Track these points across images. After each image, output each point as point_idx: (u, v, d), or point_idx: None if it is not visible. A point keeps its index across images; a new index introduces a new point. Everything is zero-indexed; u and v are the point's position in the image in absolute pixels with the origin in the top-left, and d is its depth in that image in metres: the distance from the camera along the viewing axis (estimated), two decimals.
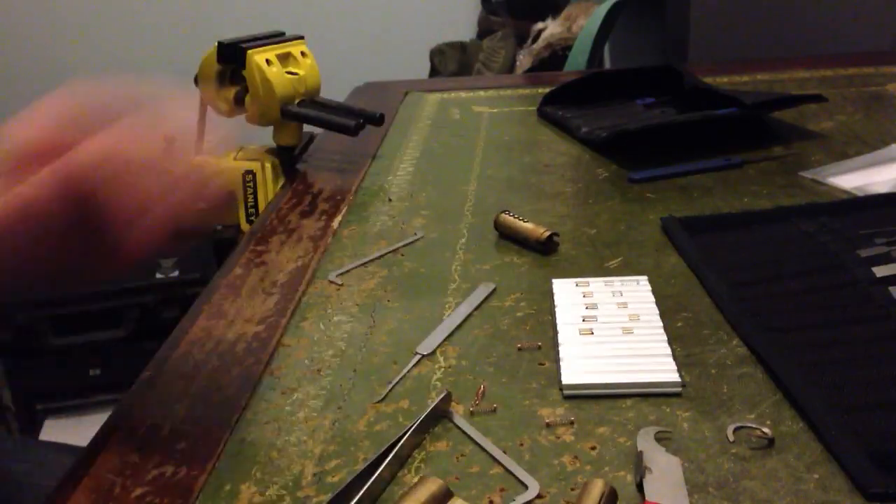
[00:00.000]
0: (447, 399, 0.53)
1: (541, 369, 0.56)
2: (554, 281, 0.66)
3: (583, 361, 0.56)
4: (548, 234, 0.72)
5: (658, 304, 0.62)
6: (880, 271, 0.61)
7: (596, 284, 0.65)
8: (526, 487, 0.46)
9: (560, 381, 0.54)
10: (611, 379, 0.54)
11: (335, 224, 0.83)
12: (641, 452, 0.47)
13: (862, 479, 0.44)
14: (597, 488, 0.43)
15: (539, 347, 0.59)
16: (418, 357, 0.59)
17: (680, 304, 0.62)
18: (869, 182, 0.78)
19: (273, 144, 0.99)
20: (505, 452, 0.49)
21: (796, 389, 0.51)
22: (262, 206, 0.97)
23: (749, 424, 0.49)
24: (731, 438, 0.48)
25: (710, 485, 0.45)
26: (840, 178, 0.81)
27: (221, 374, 0.60)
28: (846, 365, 0.53)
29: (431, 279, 0.70)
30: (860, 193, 0.77)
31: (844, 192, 0.78)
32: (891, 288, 0.59)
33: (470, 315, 0.64)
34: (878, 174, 0.80)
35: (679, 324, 0.60)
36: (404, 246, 0.76)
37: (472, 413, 0.53)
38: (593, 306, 0.62)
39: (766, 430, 0.48)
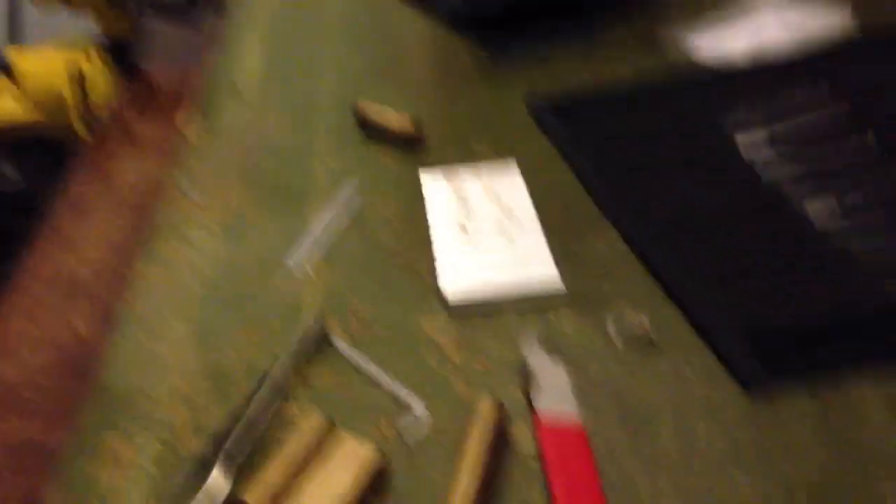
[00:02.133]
0: (323, 322, 0.50)
1: (420, 280, 0.54)
2: (422, 175, 0.64)
3: (463, 269, 0.54)
4: (412, 125, 0.68)
5: (531, 193, 0.61)
6: (743, 140, 0.62)
7: (466, 175, 0.63)
8: (414, 412, 0.45)
9: (441, 293, 0.52)
10: (493, 286, 0.52)
11: (183, 127, 0.76)
12: (527, 363, 0.46)
13: (742, 371, 0.45)
14: (486, 408, 0.43)
15: (415, 256, 0.56)
16: (291, 275, 0.55)
17: (554, 193, 0.61)
18: (731, 44, 0.78)
19: (102, 37, 0.89)
20: (389, 376, 0.47)
21: (675, 285, 0.51)
22: (97, 108, 0.88)
23: (628, 319, 0.49)
24: (613, 334, 0.48)
25: (598, 390, 0.45)
26: (701, 38, 0.80)
27: (73, 311, 0.54)
28: (729, 256, 0.53)
29: (294, 185, 0.65)
30: (722, 56, 0.77)
31: (706, 56, 0.78)
32: (754, 157, 0.60)
33: (340, 224, 0.60)
34: (740, 33, 0.80)
35: (555, 216, 0.59)
36: (262, 148, 0.71)
37: (352, 335, 0.50)
38: (466, 202, 0.60)
39: (643, 320, 0.48)
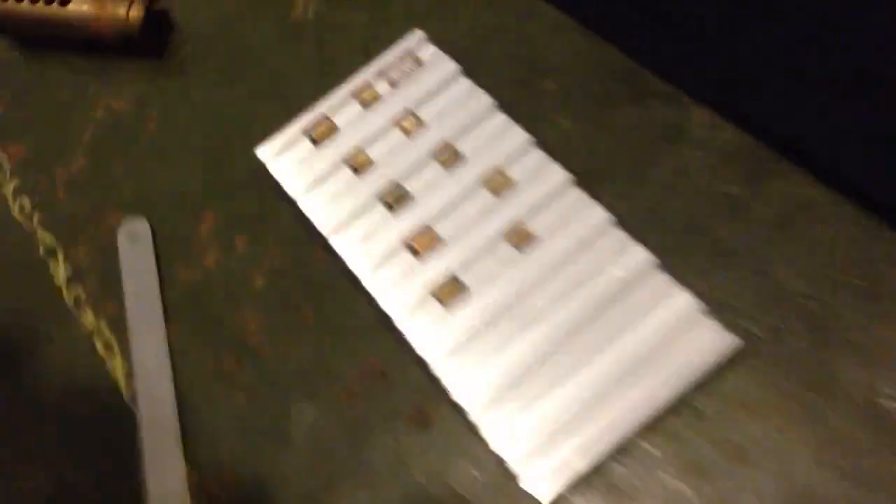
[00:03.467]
0: None
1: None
2: (263, 157, 0.30)
3: (521, 418, 0.24)
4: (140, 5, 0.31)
5: (511, 108, 0.28)
6: None
7: (345, 116, 0.30)
8: None
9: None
10: (617, 428, 0.23)
11: None
12: None
13: None
14: None
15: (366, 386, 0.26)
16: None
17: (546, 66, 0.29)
18: None
19: None
20: None
21: None
22: None
23: None
24: None
25: None
26: None
27: None
28: None
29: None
30: None
31: None
32: None
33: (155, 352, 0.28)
34: None
35: (592, 153, 0.28)
36: None
37: None
38: (396, 199, 0.28)
39: None
